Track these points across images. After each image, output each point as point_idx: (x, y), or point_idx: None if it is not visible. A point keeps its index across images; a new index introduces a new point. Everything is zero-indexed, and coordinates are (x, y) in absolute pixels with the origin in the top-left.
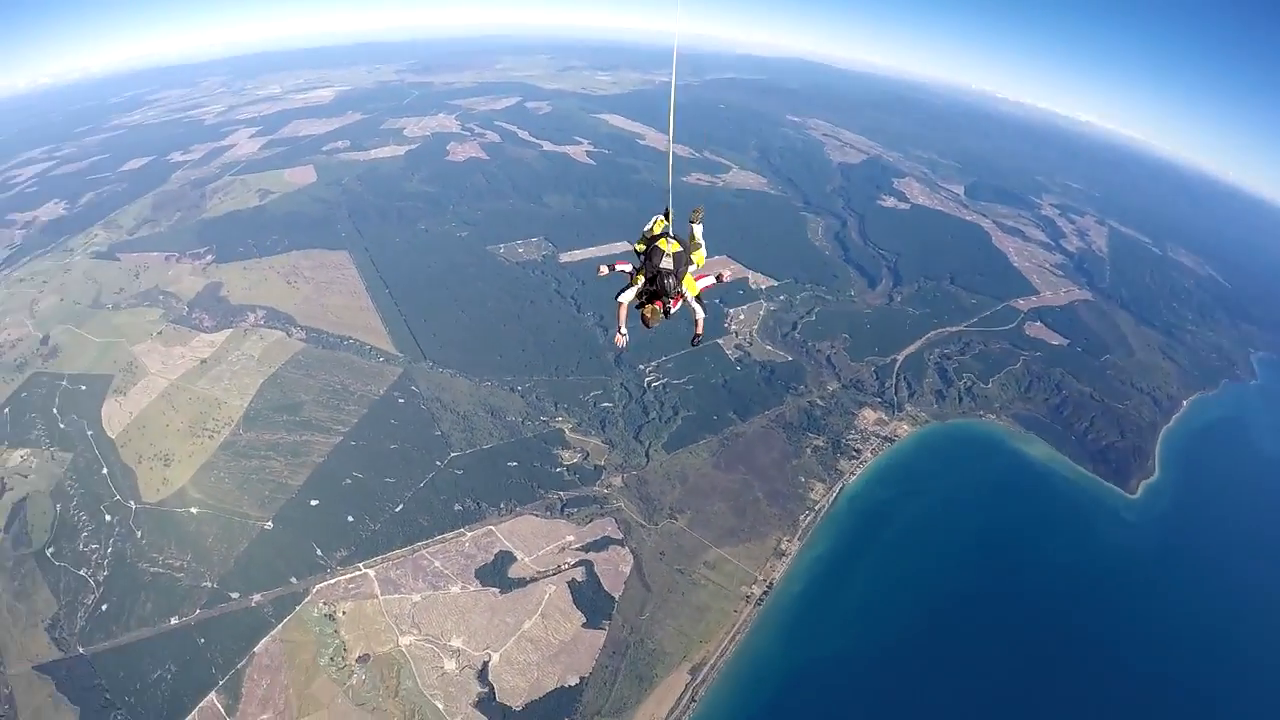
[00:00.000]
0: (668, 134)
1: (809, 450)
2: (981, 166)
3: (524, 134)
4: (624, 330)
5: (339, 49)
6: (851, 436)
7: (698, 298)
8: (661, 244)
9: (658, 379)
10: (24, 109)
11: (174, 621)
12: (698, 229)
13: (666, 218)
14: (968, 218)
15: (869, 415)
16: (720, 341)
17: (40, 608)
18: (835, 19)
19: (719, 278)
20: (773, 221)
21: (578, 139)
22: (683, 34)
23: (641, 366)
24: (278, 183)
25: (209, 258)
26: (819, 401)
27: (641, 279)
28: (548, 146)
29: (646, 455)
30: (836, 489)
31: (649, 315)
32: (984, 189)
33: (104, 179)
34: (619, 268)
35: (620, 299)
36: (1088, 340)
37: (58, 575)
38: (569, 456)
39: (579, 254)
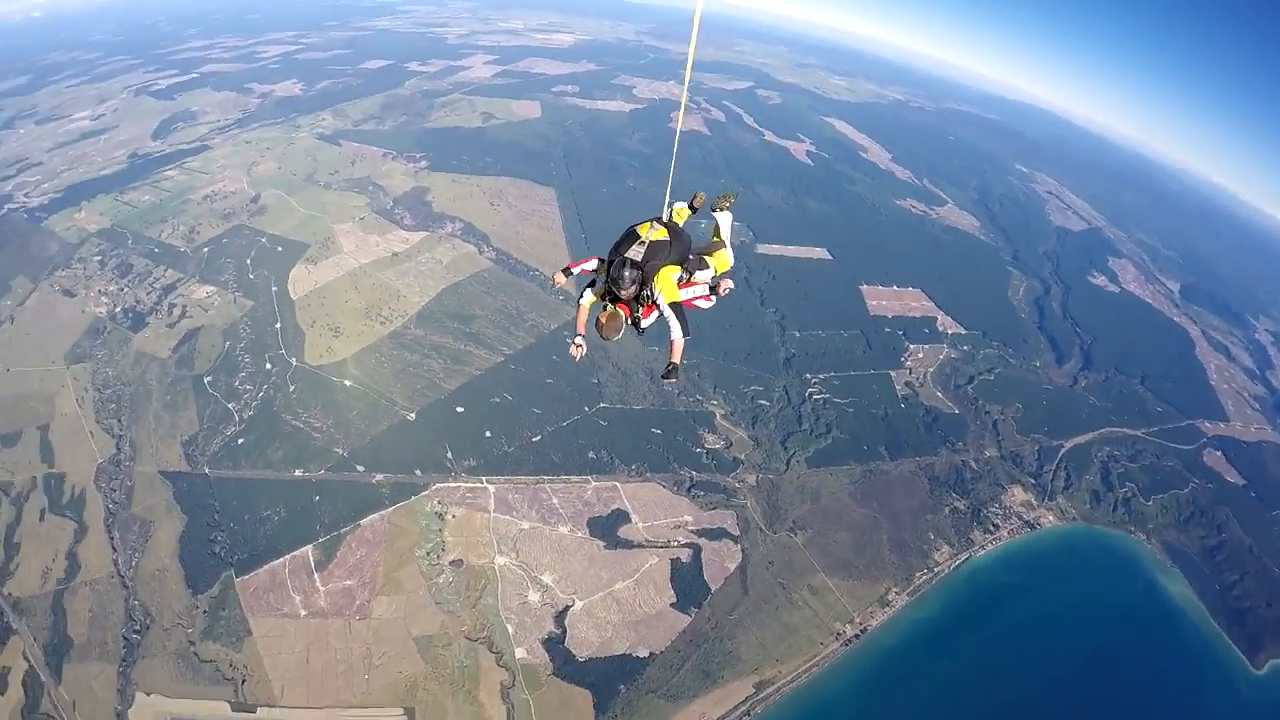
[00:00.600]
0: (750, 118)
1: (947, 510)
2: (1203, 267)
3: (749, 119)
4: (581, 339)
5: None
6: (994, 510)
7: (678, 309)
8: (642, 228)
9: (821, 393)
10: None
11: (298, 473)
12: (724, 221)
13: (693, 209)
14: (1176, 318)
15: (1018, 494)
16: (892, 374)
17: (183, 425)
18: (1082, 74)
19: (715, 289)
20: (976, 268)
21: (800, 136)
22: (927, 56)
23: (809, 376)
24: (503, 110)
25: (423, 163)
26: (972, 464)
27: (600, 275)
28: (769, 137)
29: (787, 463)
30: (962, 558)
31: (604, 321)
32: (1200, 292)
33: (342, 71)
34: (581, 267)
35: (580, 300)
36: (1266, 488)
37: (207, 401)
38: (712, 441)
39: (775, 248)
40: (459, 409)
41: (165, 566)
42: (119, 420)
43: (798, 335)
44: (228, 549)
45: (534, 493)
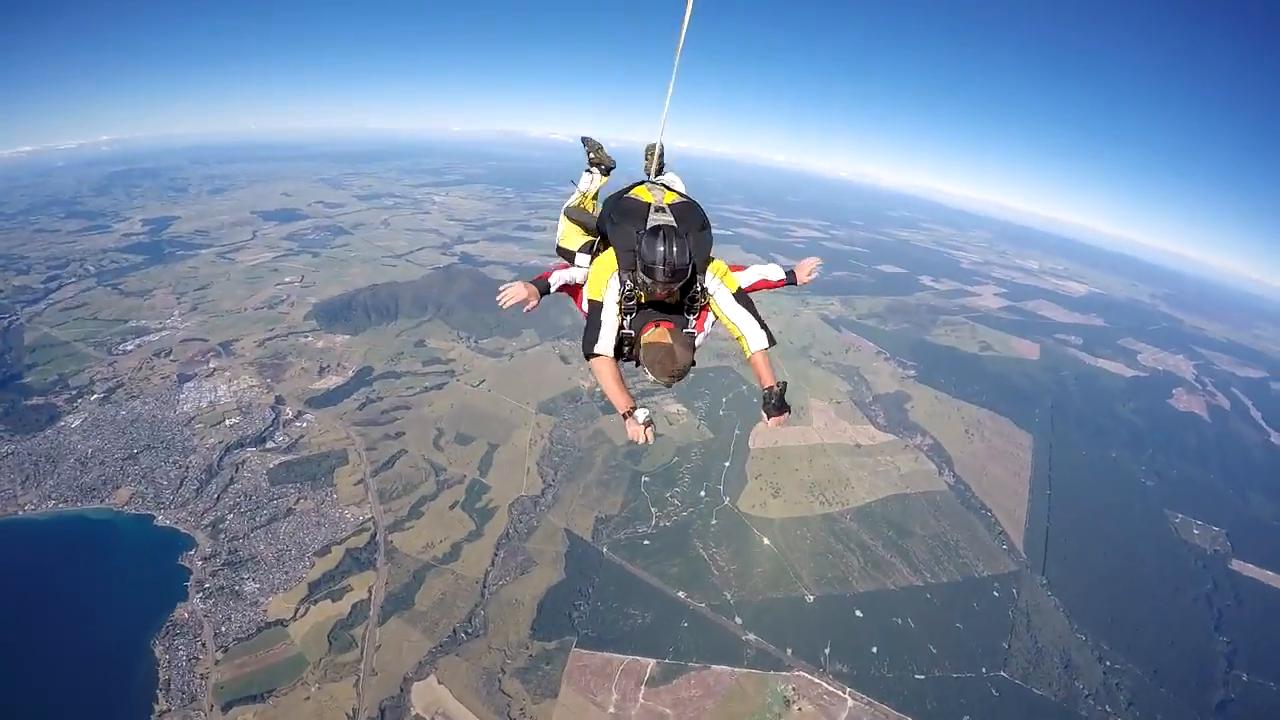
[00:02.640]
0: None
1: None
2: None
3: (1257, 414)
4: (638, 413)
5: (1101, 250)
6: None
7: (748, 302)
8: (640, 191)
9: None
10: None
11: (680, 594)
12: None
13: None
14: None
15: None
16: None
17: (605, 504)
18: None
19: (791, 275)
20: None
21: None
22: None
23: None
24: (1001, 344)
25: (911, 371)
26: None
27: (610, 283)
28: (1275, 438)
29: None
30: None
31: (652, 354)
32: None
33: (859, 266)
34: (557, 277)
35: (597, 350)
36: None
37: (635, 496)
38: None
39: (1252, 569)
40: (858, 613)
41: (524, 601)
42: (555, 472)
43: (1244, 679)
44: (584, 620)
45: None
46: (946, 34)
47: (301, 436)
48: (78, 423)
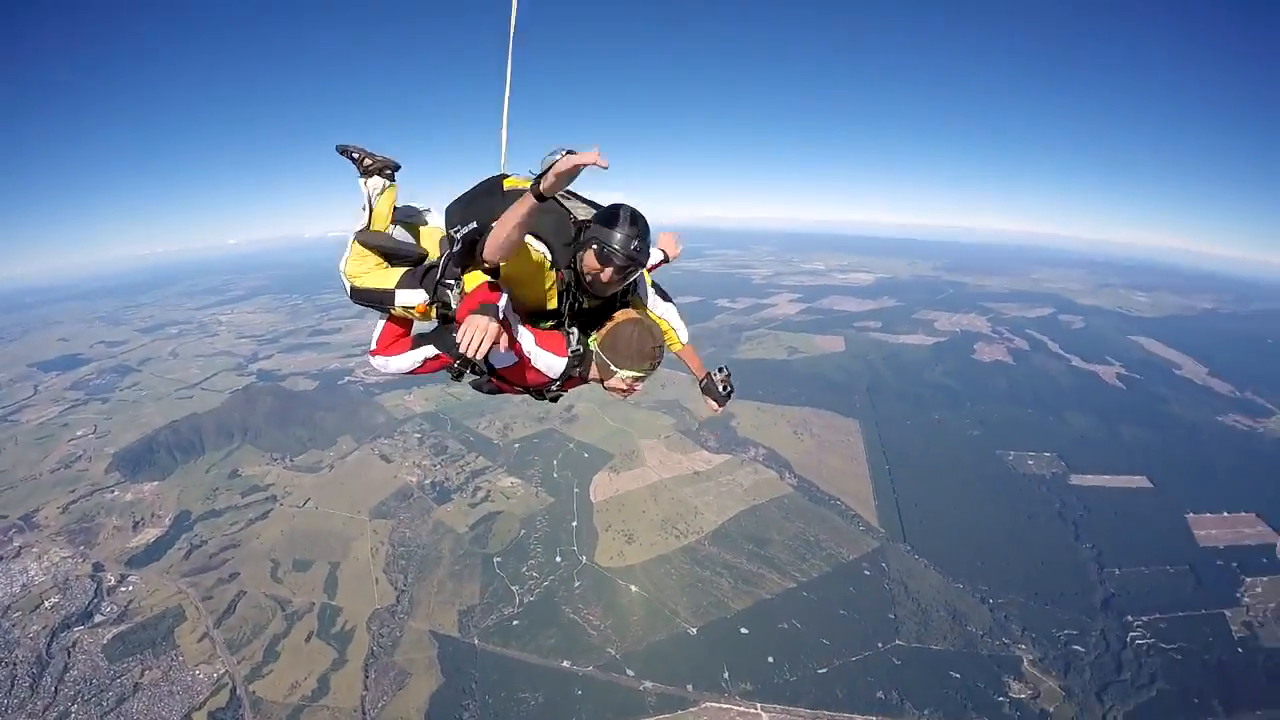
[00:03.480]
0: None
1: None
2: None
3: (1054, 346)
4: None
5: (880, 239)
6: None
7: (663, 292)
8: (518, 181)
9: (1144, 637)
10: None
11: (565, 664)
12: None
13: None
14: None
15: None
16: (1227, 614)
17: (464, 595)
18: None
19: (665, 255)
20: None
21: (1109, 359)
22: (1228, 258)
23: (1129, 618)
24: (807, 345)
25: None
26: None
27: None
28: (1076, 362)
29: (1104, 718)
30: None
31: (625, 330)
32: None
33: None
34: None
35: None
36: None
37: (492, 579)
38: (1018, 689)
39: (1090, 479)
40: (743, 630)
41: (409, 717)
42: (405, 576)
43: (1117, 573)
44: (476, 718)
45: None
46: (695, 45)
47: (130, 602)
48: None
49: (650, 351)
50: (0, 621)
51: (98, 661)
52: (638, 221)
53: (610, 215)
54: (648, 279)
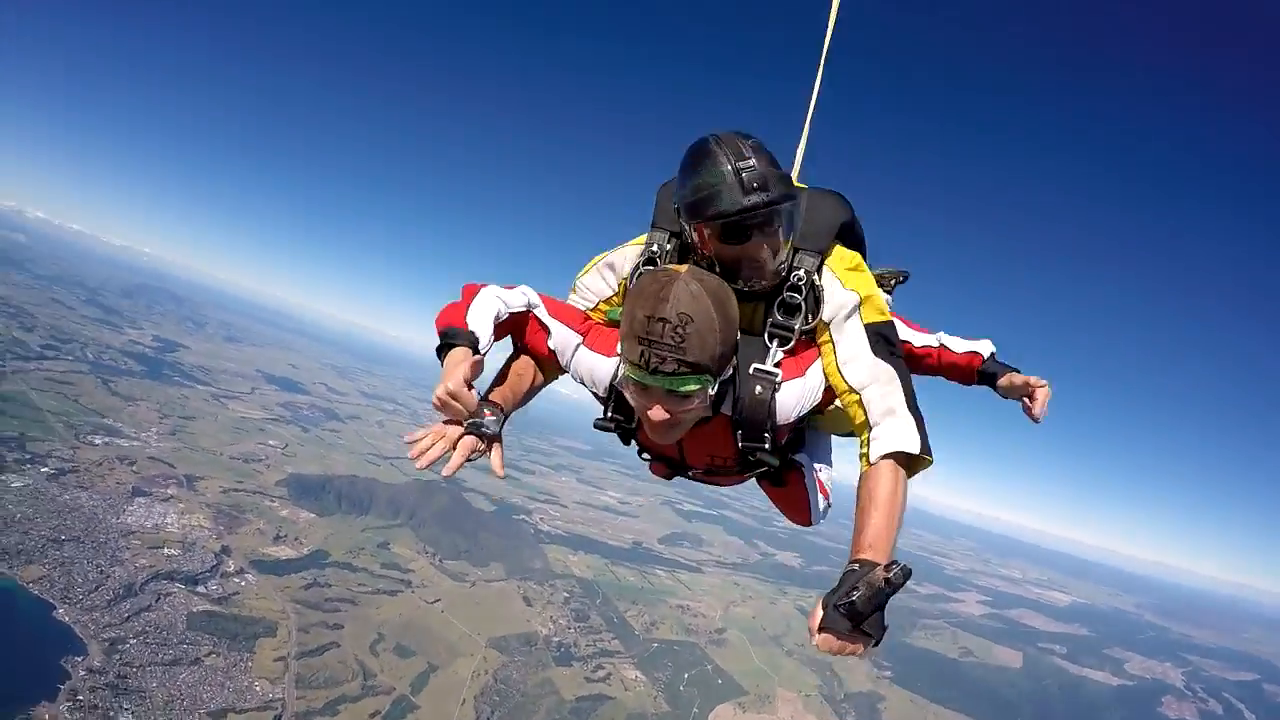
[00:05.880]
0: None
1: None
2: None
3: (1250, 717)
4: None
5: (1083, 560)
6: None
7: (894, 356)
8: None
9: None
10: None
11: None
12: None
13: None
14: None
15: None
16: None
17: None
18: None
19: (997, 370)
20: None
21: None
22: None
23: None
24: (983, 650)
25: (888, 672)
26: None
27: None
28: None
29: None
30: None
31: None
32: None
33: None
34: (487, 307)
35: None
36: None
37: None
38: None
39: None
40: None
41: None
42: (493, 711)
43: None
44: None
45: None
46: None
47: (236, 593)
48: (18, 484)
49: (657, 323)
50: (119, 539)
51: (177, 621)
52: (734, 148)
53: (697, 144)
54: (873, 314)
